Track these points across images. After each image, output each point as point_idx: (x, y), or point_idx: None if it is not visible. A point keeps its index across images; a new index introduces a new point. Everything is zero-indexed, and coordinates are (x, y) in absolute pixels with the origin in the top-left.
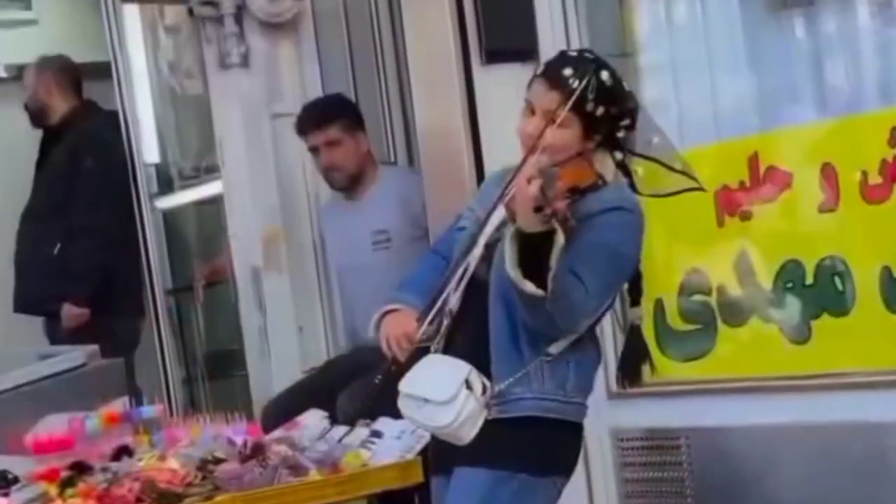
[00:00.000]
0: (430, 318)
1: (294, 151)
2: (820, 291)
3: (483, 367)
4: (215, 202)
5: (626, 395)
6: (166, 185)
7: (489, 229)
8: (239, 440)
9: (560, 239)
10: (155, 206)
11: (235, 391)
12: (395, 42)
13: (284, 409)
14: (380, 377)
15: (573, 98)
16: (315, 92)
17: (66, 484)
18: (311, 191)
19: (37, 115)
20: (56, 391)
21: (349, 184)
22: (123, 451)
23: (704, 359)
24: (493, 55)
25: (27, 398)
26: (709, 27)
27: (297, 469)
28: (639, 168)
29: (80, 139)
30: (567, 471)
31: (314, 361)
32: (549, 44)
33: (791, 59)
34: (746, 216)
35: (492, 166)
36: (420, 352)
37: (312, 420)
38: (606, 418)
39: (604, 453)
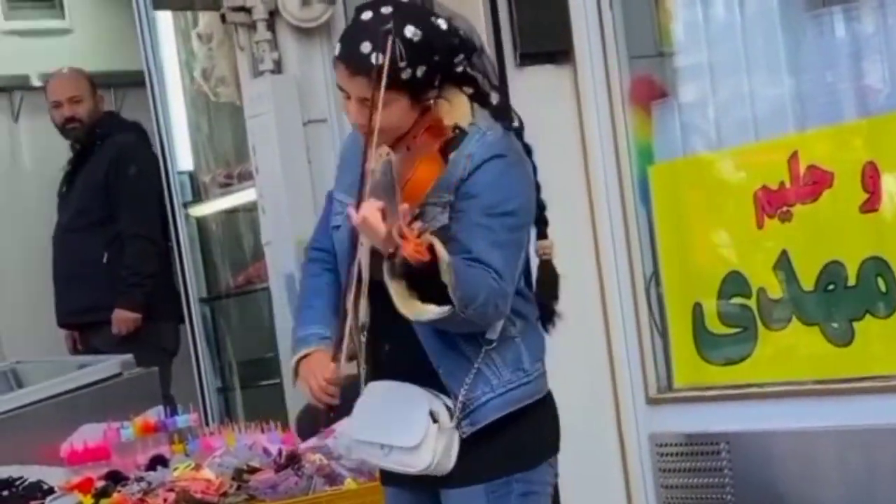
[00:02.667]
0: (344, 348)
1: (328, 157)
2: (862, 293)
3: (421, 367)
4: (249, 210)
5: (664, 400)
6: (200, 193)
7: None
8: (274, 449)
9: (444, 255)
10: (189, 214)
11: (270, 400)
12: None
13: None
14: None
15: (383, 81)
16: None
17: (101, 494)
18: None
19: (92, 128)
20: (91, 401)
21: None
22: (158, 461)
23: (745, 362)
24: (528, 57)
25: (62, 408)
26: (746, 26)
27: (332, 478)
28: None
29: (119, 149)
30: (554, 447)
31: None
32: (585, 45)
33: (831, 57)
34: (787, 217)
35: None
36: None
37: (348, 428)
38: (645, 424)
39: (643, 460)
